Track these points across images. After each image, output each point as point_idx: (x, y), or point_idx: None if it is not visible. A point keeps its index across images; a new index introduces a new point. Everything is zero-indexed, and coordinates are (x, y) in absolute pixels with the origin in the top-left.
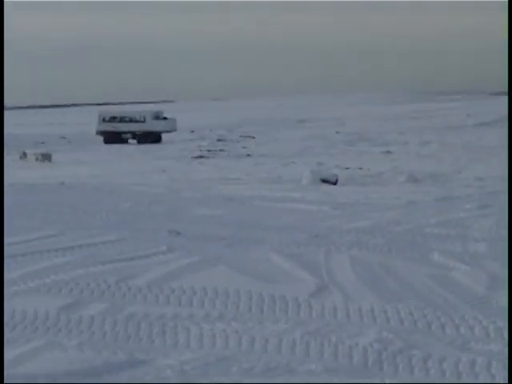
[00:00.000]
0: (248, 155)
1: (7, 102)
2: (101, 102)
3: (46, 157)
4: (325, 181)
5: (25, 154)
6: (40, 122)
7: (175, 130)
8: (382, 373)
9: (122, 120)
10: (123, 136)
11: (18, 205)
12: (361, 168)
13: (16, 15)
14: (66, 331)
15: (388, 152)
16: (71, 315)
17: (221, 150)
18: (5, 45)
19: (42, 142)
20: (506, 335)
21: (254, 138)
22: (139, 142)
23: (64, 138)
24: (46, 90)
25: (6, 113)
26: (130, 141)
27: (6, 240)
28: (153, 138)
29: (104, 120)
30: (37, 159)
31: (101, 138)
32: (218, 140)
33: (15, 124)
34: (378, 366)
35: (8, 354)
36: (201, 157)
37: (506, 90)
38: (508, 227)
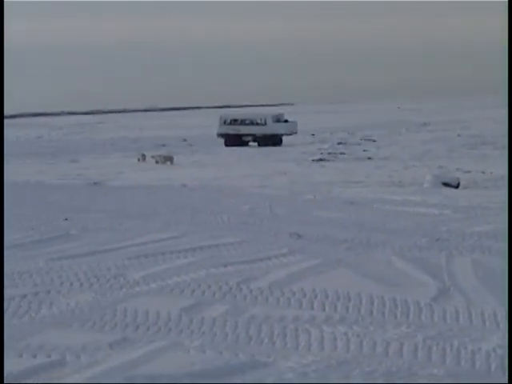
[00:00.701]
0: (369, 158)
1: (127, 105)
2: (221, 105)
3: (168, 159)
4: (446, 184)
5: (143, 156)
6: (161, 125)
7: (296, 132)
8: (505, 378)
9: (242, 123)
10: (244, 138)
11: (140, 207)
12: (483, 171)
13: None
14: (188, 332)
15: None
16: (193, 316)
17: (341, 153)
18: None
19: (163, 145)
20: None
21: (374, 141)
22: (260, 145)
23: (185, 140)
24: (167, 93)
25: (125, 116)
26: (250, 143)
27: (128, 242)
28: (273, 140)
29: (225, 123)
30: (157, 161)
31: (222, 141)
32: (339, 143)
33: (136, 127)
34: (502, 372)
35: (130, 355)
36: (321, 159)
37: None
38: (508, 227)
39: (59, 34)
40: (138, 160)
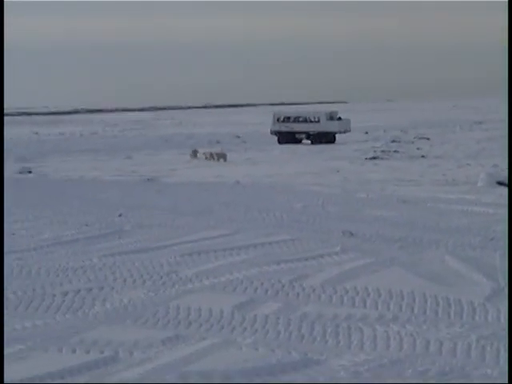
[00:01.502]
0: (422, 156)
1: (183, 102)
2: (276, 102)
3: (221, 156)
4: (501, 183)
5: (195, 153)
6: (216, 122)
7: (349, 130)
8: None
9: (296, 120)
10: (297, 136)
11: (193, 204)
12: None
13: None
14: (240, 329)
15: None
16: (245, 314)
17: (395, 151)
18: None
19: (218, 142)
20: None
21: (428, 139)
22: (313, 143)
23: (239, 137)
24: (222, 90)
25: (181, 112)
26: (303, 141)
27: (181, 238)
28: (327, 138)
29: (278, 120)
30: (206, 158)
31: (275, 138)
32: (393, 141)
33: (191, 123)
34: None
35: (183, 352)
36: (375, 158)
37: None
38: (508, 227)
39: (108, 31)
40: (191, 157)
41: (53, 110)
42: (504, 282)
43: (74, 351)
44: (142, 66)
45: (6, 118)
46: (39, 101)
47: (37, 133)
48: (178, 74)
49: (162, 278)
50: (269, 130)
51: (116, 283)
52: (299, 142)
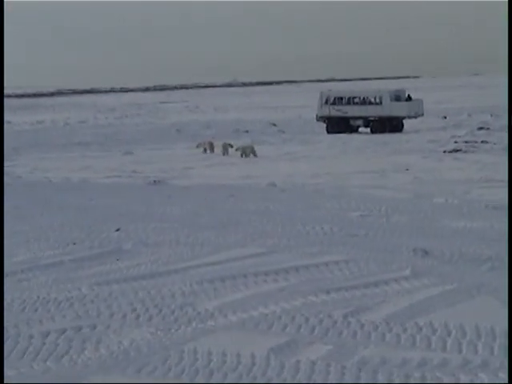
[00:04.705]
0: None
1: (200, 79)
2: (323, 79)
3: (249, 150)
4: None
5: (211, 146)
6: (243, 105)
7: (421, 114)
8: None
9: (350, 102)
10: (352, 123)
11: (214, 214)
12: None
13: None
14: (278, 381)
15: None
16: (285, 360)
17: (483, 142)
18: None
19: (246, 131)
20: None
21: None
22: (373, 131)
23: (274, 125)
24: (251, 63)
25: (198, 93)
26: (360, 129)
27: (199, 260)
28: (392, 125)
29: (327, 102)
30: (223, 153)
31: (323, 126)
32: (480, 128)
33: (211, 107)
34: None
35: None
36: (456, 150)
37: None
38: (508, 227)
39: None
40: (205, 150)
41: (29, 91)
42: None
43: None
44: (145, 33)
45: None
46: (11, 79)
47: (9, 122)
48: (193, 42)
49: (173, 312)
50: (314, 116)
51: (113, 320)
52: (355, 130)
